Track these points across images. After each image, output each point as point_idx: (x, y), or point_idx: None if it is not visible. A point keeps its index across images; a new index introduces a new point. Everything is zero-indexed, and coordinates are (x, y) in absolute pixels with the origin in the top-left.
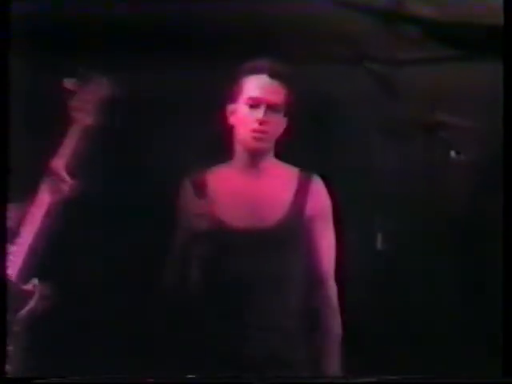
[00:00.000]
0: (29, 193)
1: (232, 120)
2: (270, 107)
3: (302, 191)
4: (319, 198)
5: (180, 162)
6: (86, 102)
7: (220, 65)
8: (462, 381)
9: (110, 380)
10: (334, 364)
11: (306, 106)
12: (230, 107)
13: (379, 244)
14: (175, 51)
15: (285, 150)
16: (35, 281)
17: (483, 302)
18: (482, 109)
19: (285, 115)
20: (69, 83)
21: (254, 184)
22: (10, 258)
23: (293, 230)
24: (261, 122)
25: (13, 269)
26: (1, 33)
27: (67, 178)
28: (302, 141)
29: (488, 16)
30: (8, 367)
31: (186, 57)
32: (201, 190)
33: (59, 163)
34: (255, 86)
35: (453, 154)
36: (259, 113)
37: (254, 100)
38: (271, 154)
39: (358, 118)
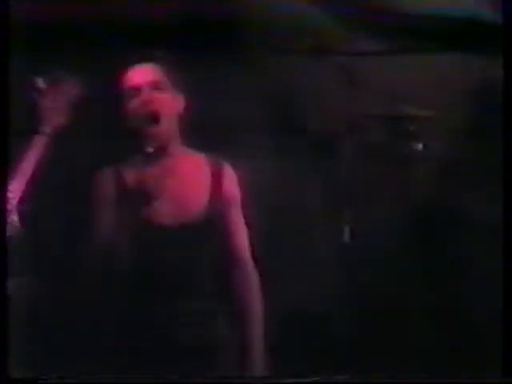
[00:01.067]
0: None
1: (127, 112)
2: (151, 87)
3: (216, 177)
4: (232, 184)
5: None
6: (58, 101)
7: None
8: (462, 381)
9: (110, 380)
10: (257, 349)
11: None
12: (122, 100)
13: (346, 237)
14: None
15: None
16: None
17: (483, 301)
18: (445, 100)
19: (174, 94)
20: (39, 82)
21: (168, 173)
22: None
23: (214, 216)
24: (146, 103)
25: None
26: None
27: (15, 219)
28: (263, 131)
29: (451, 7)
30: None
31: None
32: (120, 183)
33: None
34: (131, 75)
35: (419, 146)
36: (142, 96)
37: (133, 87)
38: (178, 140)
39: (319, 111)
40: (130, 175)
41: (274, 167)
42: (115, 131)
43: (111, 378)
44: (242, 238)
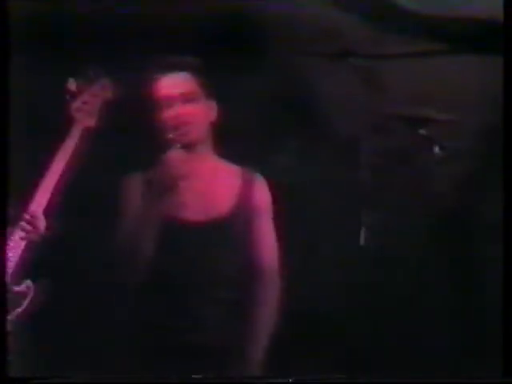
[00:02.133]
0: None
1: (158, 119)
2: (184, 99)
3: (246, 187)
4: (262, 194)
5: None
6: (89, 103)
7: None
8: (462, 381)
9: (110, 380)
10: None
11: (290, 102)
12: (154, 107)
13: (363, 239)
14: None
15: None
16: (28, 282)
17: (483, 301)
18: (466, 103)
19: (206, 103)
20: (72, 84)
21: (196, 177)
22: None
23: (238, 223)
24: (175, 116)
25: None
26: (1, 33)
27: (42, 227)
28: (287, 135)
29: (471, 11)
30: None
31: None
32: (150, 185)
33: (53, 180)
34: (163, 84)
35: (437, 149)
36: (173, 108)
37: (164, 97)
38: (209, 150)
39: (342, 114)
40: (158, 177)
41: (297, 170)
42: (145, 134)
43: (111, 378)
44: (268, 249)
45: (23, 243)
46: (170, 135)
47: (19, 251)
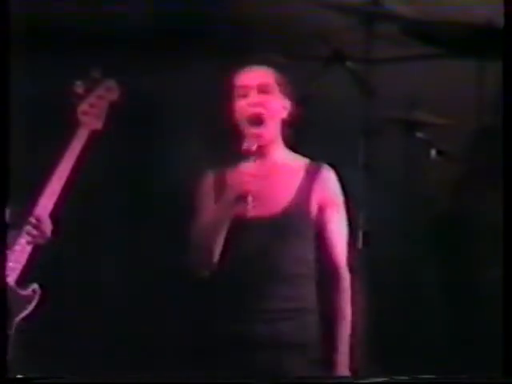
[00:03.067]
0: (29, 197)
1: (234, 116)
2: (260, 89)
3: (309, 180)
4: (327, 186)
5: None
6: (95, 105)
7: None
8: (462, 381)
9: (110, 380)
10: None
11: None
12: (231, 104)
13: (360, 243)
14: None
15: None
16: (35, 286)
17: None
18: (459, 106)
19: (283, 98)
20: (78, 86)
21: (264, 174)
22: (9, 263)
23: (300, 218)
24: (252, 105)
25: (12, 274)
26: (1, 32)
27: (48, 230)
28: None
29: (463, 14)
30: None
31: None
32: (220, 184)
33: (58, 183)
34: (242, 75)
35: (433, 153)
36: (249, 97)
37: (242, 88)
38: (279, 143)
39: (335, 117)
40: (230, 175)
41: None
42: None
43: (111, 378)
44: (340, 246)
45: (29, 247)
46: (246, 130)
47: (25, 255)
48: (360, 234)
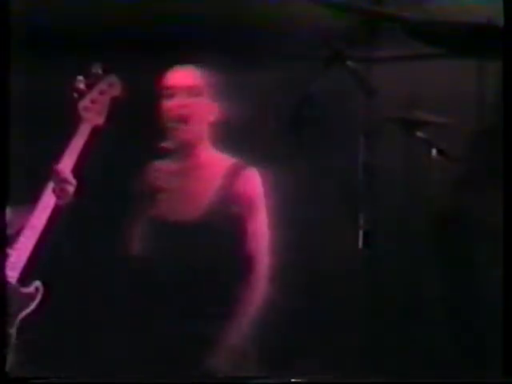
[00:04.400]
0: (30, 195)
1: (161, 114)
2: (187, 91)
3: (231, 179)
4: (249, 186)
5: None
6: (97, 101)
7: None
8: (462, 381)
9: (110, 380)
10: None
11: (281, 105)
12: (159, 103)
13: (361, 243)
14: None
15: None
16: (38, 283)
17: (483, 301)
18: (460, 106)
19: (212, 99)
20: (80, 82)
21: (187, 175)
22: (11, 260)
23: (220, 216)
24: (178, 107)
25: (14, 272)
26: (1, 32)
27: (73, 180)
28: (278, 140)
29: (466, 14)
30: (8, 367)
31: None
32: (143, 184)
33: (66, 165)
34: (171, 76)
35: (434, 152)
36: (176, 99)
37: (170, 88)
38: (206, 144)
39: (335, 117)
40: (155, 173)
41: (290, 172)
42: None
43: (110, 378)
44: (258, 244)
45: (32, 244)
46: (170, 127)
47: (28, 252)
48: (360, 234)
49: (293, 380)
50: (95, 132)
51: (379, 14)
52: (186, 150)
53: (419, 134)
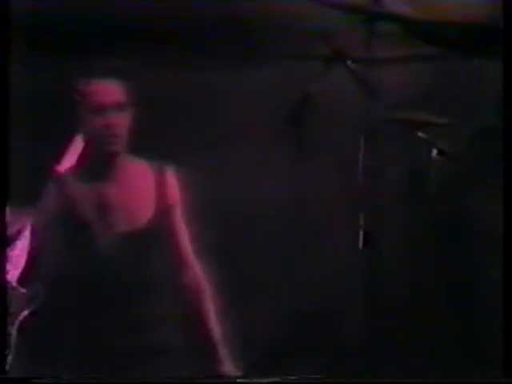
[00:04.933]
0: (29, 196)
1: (83, 126)
2: (117, 107)
3: (160, 184)
4: (175, 189)
5: None
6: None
7: None
8: (462, 381)
9: (110, 380)
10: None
11: (281, 105)
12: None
13: (361, 243)
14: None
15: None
16: (37, 285)
17: (483, 301)
18: (460, 106)
19: (129, 106)
20: (82, 85)
21: (113, 186)
22: (11, 261)
23: (159, 223)
24: (108, 125)
25: (14, 272)
26: (1, 33)
27: (72, 182)
28: (278, 140)
29: (464, 14)
30: (8, 367)
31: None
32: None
33: (66, 167)
34: (96, 90)
35: (434, 153)
36: (107, 116)
37: (97, 106)
38: (124, 151)
39: (335, 117)
40: (77, 188)
41: (288, 173)
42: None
43: (109, 378)
44: (184, 240)
45: (32, 245)
46: (97, 143)
47: (28, 253)
48: (361, 235)
49: (291, 378)
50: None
51: (379, 14)
52: (107, 161)
53: (420, 134)
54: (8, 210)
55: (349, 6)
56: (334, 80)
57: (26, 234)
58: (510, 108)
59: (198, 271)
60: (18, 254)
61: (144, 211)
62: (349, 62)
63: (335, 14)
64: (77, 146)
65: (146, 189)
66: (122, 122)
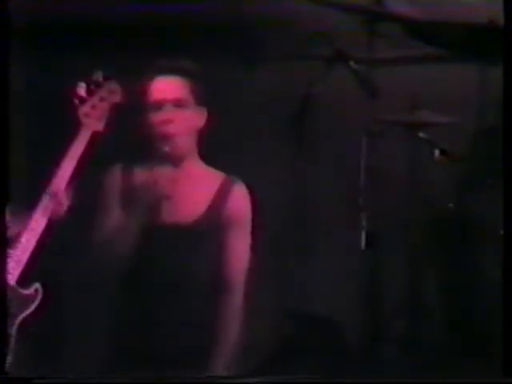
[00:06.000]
0: (30, 197)
1: (146, 123)
2: (174, 104)
3: (221, 194)
4: (238, 203)
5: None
6: (97, 107)
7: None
8: (462, 381)
9: (110, 380)
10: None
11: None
12: (143, 111)
13: (363, 244)
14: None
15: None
16: (37, 285)
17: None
18: (461, 106)
19: (196, 110)
20: (81, 88)
21: (177, 182)
22: (11, 262)
23: (207, 231)
24: (163, 122)
25: (13, 273)
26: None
27: (65, 200)
28: (281, 141)
29: (467, 15)
30: (7, 367)
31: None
32: (129, 184)
33: (60, 184)
34: (155, 87)
35: (437, 153)
36: (162, 114)
37: (155, 101)
38: (194, 154)
39: (337, 118)
40: (139, 176)
41: (290, 174)
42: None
43: (109, 378)
44: (238, 262)
45: (32, 245)
46: (158, 145)
47: (27, 254)
48: (363, 235)
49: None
50: (94, 138)
51: (380, 14)
52: (172, 159)
53: (421, 134)
54: (8, 210)
55: (351, 6)
56: (335, 80)
57: (26, 234)
58: (511, 108)
59: (236, 298)
60: (19, 254)
61: (194, 214)
62: (351, 63)
63: (337, 14)
64: (77, 146)
65: (202, 193)
66: (179, 118)
